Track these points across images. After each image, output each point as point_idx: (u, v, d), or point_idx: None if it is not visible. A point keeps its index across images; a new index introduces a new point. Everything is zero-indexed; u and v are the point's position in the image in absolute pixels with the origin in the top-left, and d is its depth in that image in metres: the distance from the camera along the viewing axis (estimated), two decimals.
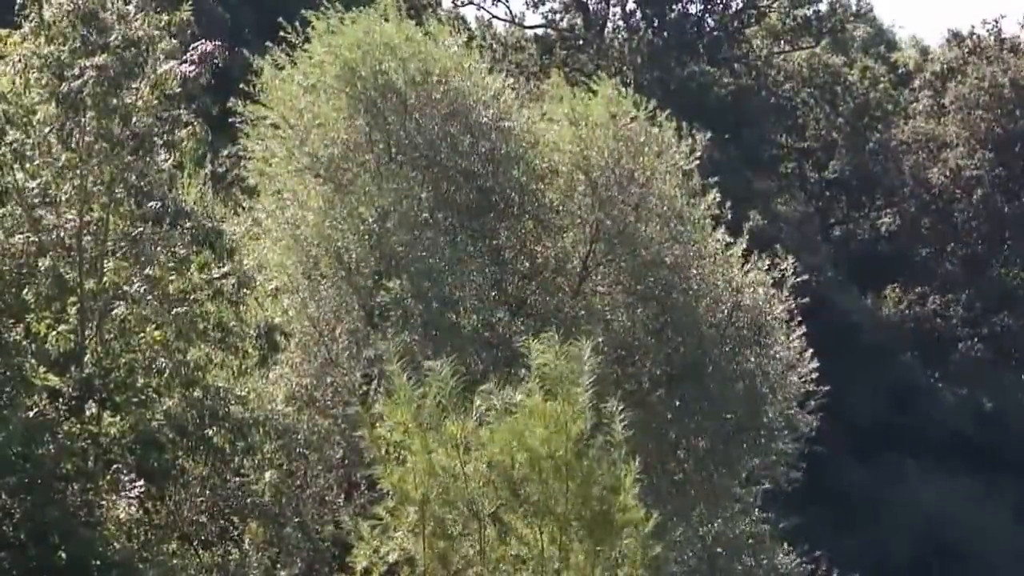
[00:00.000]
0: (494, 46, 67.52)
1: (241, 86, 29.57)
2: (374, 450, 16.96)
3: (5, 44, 23.00)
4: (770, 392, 30.22)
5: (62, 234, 22.53)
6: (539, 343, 16.36)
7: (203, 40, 23.06)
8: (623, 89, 30.11)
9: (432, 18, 31.34)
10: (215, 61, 23.07)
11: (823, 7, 72.21)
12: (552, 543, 15.68)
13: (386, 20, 29.25)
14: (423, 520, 16.19)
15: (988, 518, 59.75)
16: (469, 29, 64.22)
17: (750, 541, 31.66)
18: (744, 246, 30.50)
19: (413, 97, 28.72)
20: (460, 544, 16.06)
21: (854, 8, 73.73)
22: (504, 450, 15.70)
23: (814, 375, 30.97)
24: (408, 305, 28.03)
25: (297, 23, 29.58)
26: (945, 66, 72.83)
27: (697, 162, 30.12)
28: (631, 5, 70.61)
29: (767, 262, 30.69)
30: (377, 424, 17.04)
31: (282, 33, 29.70)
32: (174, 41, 22.55)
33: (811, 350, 31.01)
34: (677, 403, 29.83)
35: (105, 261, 22.67)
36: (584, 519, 15.61)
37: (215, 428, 23.01)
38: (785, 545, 34.46)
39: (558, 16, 71.86)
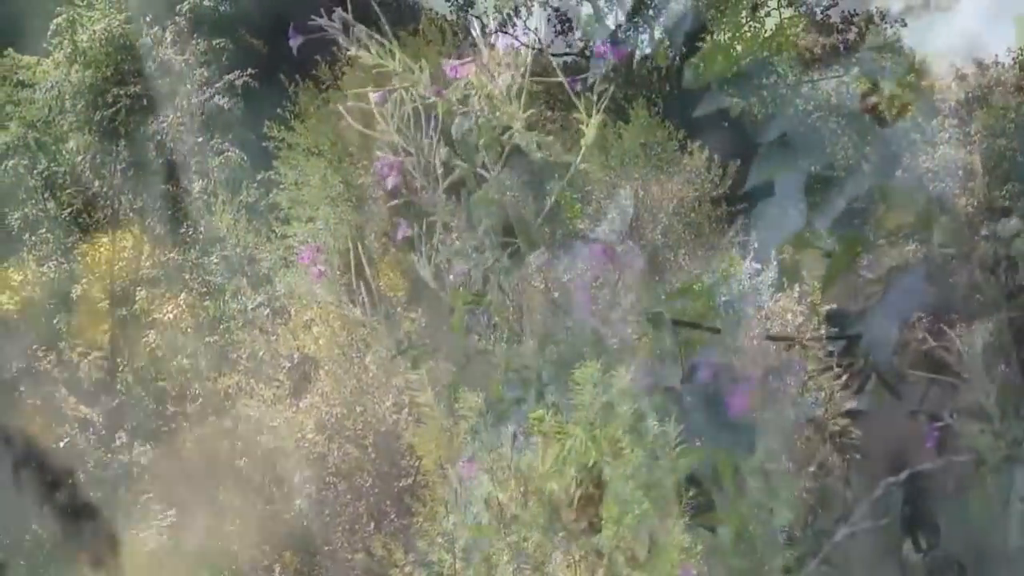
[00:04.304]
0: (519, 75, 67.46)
1: (278, 110, 29.60)
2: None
3: (35, 73, 23.07)
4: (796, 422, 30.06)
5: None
6: (582, 372, 16.26)
7: (237, 72, 23.09)
8: (657, 119, 30.02)
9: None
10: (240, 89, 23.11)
11: (851, 36, 72.21)
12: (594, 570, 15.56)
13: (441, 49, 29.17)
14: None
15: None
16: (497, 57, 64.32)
17: None
18: (773, 274, 30.37)
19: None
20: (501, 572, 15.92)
21: (885, 36, 73.78)
22: (552, 476, 15.58)
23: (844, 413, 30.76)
24: (434, 332, 27.91)
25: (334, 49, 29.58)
26: (969, 94, 72.64)
27: (726, 191, 30.00)
28: (658, 33, 70.63)
29: (797, 291, 30.53)
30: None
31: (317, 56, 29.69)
32: (204, 72, 22.62)
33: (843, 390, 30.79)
34: None
35: (137, 289, 22.68)
36: (628, 545, 15.46)
37: (246, 458, 22.96)
38: None
39: (583, 44, 71.86)
